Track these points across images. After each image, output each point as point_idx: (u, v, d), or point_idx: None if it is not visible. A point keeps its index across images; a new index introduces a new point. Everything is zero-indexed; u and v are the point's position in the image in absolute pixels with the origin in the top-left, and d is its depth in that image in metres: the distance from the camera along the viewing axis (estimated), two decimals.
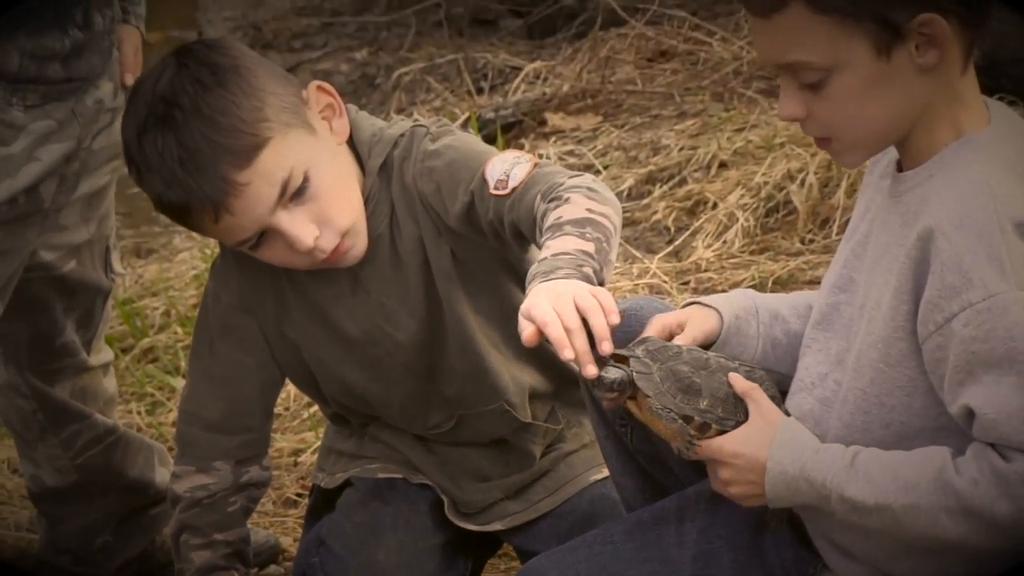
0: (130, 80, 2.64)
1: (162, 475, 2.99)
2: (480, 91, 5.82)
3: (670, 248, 4.40)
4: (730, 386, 2.16)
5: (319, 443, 3.13)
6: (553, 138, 5.23)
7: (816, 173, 4.41)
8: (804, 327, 2.31)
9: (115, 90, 2.61)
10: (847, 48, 2.02)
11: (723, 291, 3.45)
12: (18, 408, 2.88)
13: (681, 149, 4.86)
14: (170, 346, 4.26)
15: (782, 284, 3.94)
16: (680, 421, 2.10)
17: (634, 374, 2.10)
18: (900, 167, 2.13)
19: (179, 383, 4.04)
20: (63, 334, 2.78)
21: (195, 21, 8.35)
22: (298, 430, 3.81)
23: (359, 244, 2.48)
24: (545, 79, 5.76)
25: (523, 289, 2.36)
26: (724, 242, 4.34)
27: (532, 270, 2.20)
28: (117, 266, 2.87)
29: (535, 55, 6.08)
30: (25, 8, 2.36)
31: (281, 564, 3.10)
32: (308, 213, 2.40)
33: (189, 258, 4.91)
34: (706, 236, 4.38)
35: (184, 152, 2.34)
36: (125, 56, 2.67)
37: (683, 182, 4.68)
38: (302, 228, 2.39)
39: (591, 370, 2.07)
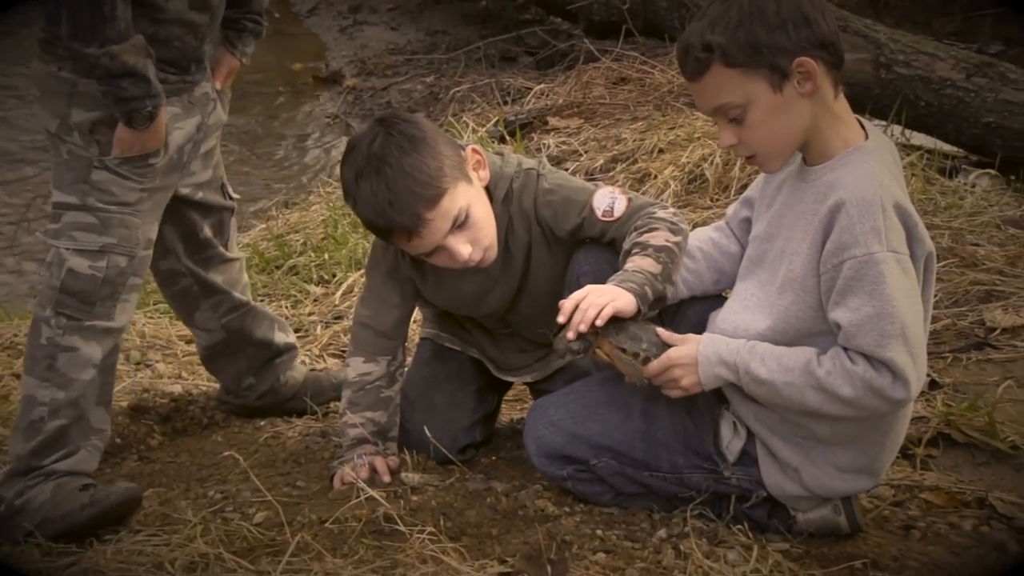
0: (218, 86, 2.68)
1: (280, 338, 2.96)
2: (506, 103, 5.77)
3: None
4: (658, 335, 2.23)
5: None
6: (552, 133, 5.20)
7: (720, 156, 4.38)
8: (697, 265, 2.37)
9: (212, 88, 2.64)
10: (753, 89, 2.04)
11: None
12: (181, 287, 2.84)
13: (634, 140, 4.82)
14: (306, 265, 4.23)
15: (699, 226, 3.92)
16: (631, 359, 2.21)
17: (612, 333, 2.20)
18: (806, 162, 2.15)
19: (311, 288, 4.02)
20: (202, 231, 2.76)
21: (324, 56, 8.29)
22: None
23: (492, 254, 2.43)
24: (547, 95, 5.71)
25: None
26: (662, 201, 4.31)
27: (616, 275, 2.26)
28: (232, 193, 2.84)
29: (541, 80, 6.03)
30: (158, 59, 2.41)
31: None
32: (466, 237, 2.36)
33: (319, 208, 4.87)
34: (650, 197, 4.34)
35: (392, 196, 2.30)
36: (219, 73, 2.69)
37: (635, 162, 4.64)
38: (462, 248, 2.36)
39: (569, 335, 2.17)
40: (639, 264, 2.26)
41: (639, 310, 2.21)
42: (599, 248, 2.42)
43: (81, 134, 2.42)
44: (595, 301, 2.17)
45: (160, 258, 2.78)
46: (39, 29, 2.44)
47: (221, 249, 2.82)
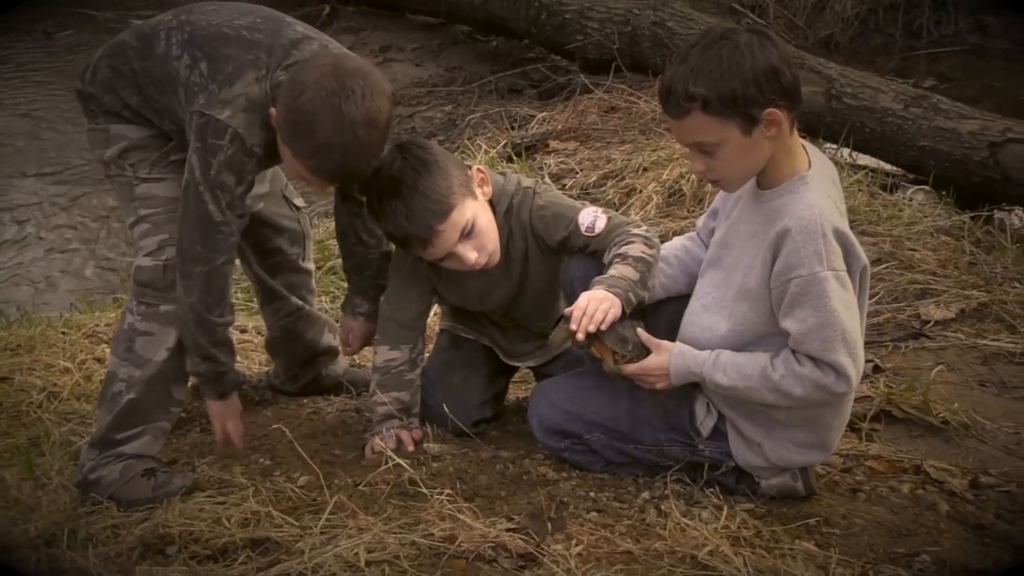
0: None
1: (327, 339, 2.91)
2: (513, 128, 5.73)
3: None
4: (640, 337, 2.23)
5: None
6: (552, 154, 5.16)
7: (695, 175, 4.33)
8: (673, 270, 2.36)
9: None
10: (726, 132, 2.01)
11: None
12: (255, 290, 2.84)
13: (622, 160, 4.78)
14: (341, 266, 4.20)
15: (677, 234, 3.91)
16: (617, 359, 2.23)
17: (606, 334, 2.19)
18: (759, 185, 2.13)
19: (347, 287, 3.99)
20: (271, 242, 2.71)
21: None
22: None
23: (496, 259, 2.41)
24: (548, 122, 5.67)
25: None
26: (646, 212, 4.29)
27: (601, 277, 2.24)
28: (297, 201, 2.77)
29: (543, 108, 5.98)
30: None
31: None
32: (472, 244, 2.35)
33: None
34: (636, 209, 4.33)
35: (408, 212, 2.29)
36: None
37: (623, 179, 4.61)
38: (469, 254, 2.34)
39: (579, 336, 2.16)
40: (622, 272, 2.24)
41: (624, 312, 2.20)
42: (586, 257, 2.41)
43: (117, 165, 2.41)
44: (600, 307, 2.16)
45: (242, 263, 2.78)
46: (76, 79, 2.41)
47: (292, 258, 2.77)
